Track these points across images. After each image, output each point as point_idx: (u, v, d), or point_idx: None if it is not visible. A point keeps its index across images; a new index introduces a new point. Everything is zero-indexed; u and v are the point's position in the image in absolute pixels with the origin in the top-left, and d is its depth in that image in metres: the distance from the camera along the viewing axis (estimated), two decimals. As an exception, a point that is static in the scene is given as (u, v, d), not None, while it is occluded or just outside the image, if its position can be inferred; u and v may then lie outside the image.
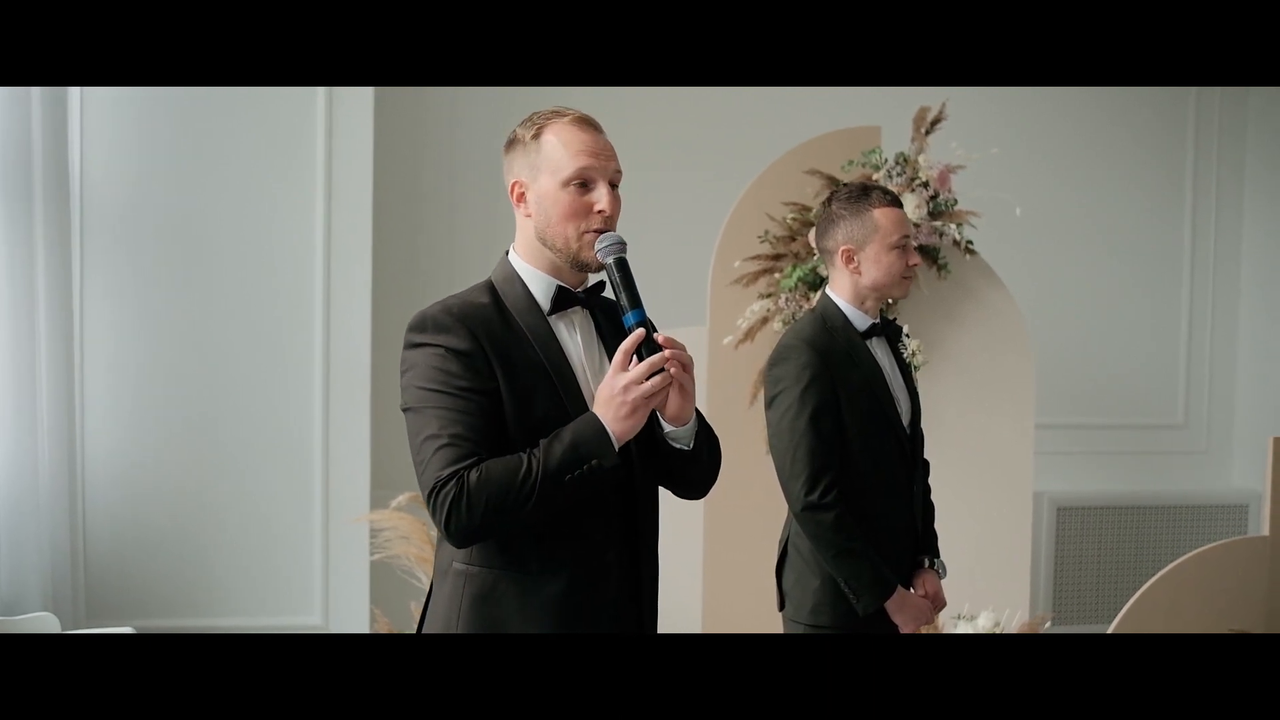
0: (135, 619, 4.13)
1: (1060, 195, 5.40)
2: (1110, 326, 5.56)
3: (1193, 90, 5.57)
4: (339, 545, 4.31)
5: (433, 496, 1.88)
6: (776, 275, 3.94)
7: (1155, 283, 5.62)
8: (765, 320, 3.91)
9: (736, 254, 3.98)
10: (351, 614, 4.31)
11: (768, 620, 3.45)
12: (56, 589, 3.91)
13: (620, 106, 4.64)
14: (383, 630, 3.97)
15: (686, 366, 1.92)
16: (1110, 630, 3.39)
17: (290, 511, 4.29)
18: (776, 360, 2.83)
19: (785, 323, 3.87)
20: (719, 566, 4.00)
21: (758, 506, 3.84)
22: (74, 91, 4.03)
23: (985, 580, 3.94)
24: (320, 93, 4.26)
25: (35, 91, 3.80)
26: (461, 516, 1.86)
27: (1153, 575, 3.43)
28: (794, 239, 3.95)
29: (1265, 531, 3.54)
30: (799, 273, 3.87)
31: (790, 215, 3.97)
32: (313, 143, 4.27)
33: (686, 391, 1.94)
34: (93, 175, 4.09)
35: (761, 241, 3.97)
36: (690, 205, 4.82)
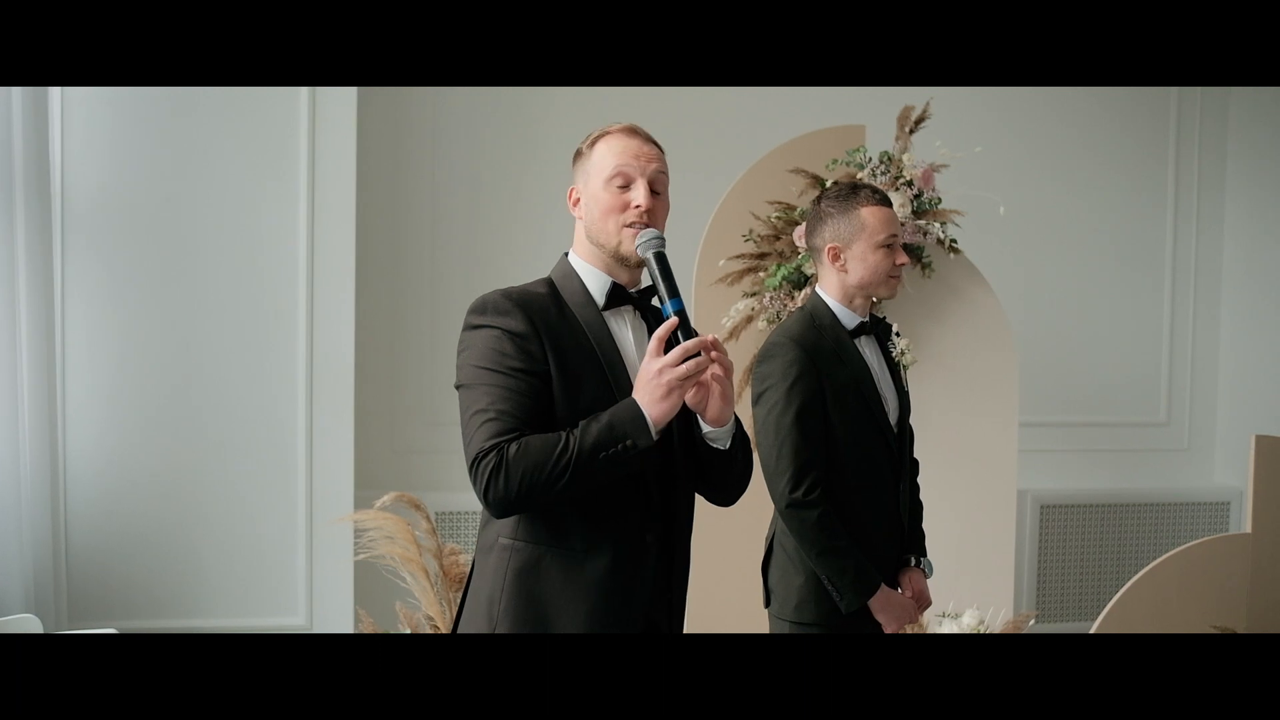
0: (118, 620, 4.11)
1: (1043, 194, 5.42)
2: (1093, 325, 5.57)
3: (1174, 90, 5.59)
4: (323, 545, 4.29)
5: (474, 466, 1.98)
6: (761, 274, 3.94)
7: (1137, 282, 5.64)
8: (750, 319, 3.92)
9: (721, 253, 3.98)
10: (336, 614, 4.30)
11: (752, 617, 3.45)
12: (39, 590, 3.88)
13: (605, 106, 4.63)
14: (367, 631, 3.96)
15: (727, 371, 2.04)
16: (1094, 627, 3.40)
17: (274, 512, 4.27)
18: (764, 357, 2.83)
19: (770, 321, 3.87)
20: (703, 563, 3.97)
21: (742, 503, 3.80)
22: (54, 91, 4.01)
23: (969, 578, 3.95)
24: (304, 92, 4.24)
25: (15, 91, 3.77)
26: (499, 486, 1.95)
27: (1135, 572, 3.45)
28: (778, 238, 3.95)
29: (1247, 529, 3.56)
30: (783, 271, 3.87)
31: (775, 214, 3.97)
32: (296, 142, 4.25)
33: (726, 394, 2.05)
34: (74, 174, 4.06)
35: (746, 240, 3.98)
36: (674, 204, 4.75)
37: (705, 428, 2.09)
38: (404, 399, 4.84)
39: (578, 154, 2.22)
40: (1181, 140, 5.64)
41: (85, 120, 4.08)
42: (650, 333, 2.17)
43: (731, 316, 3.91)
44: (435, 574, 3.68)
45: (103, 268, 4.11)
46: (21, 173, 3.79)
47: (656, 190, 2.18)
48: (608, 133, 2.19)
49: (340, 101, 4.28)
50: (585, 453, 1.95)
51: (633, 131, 2.19)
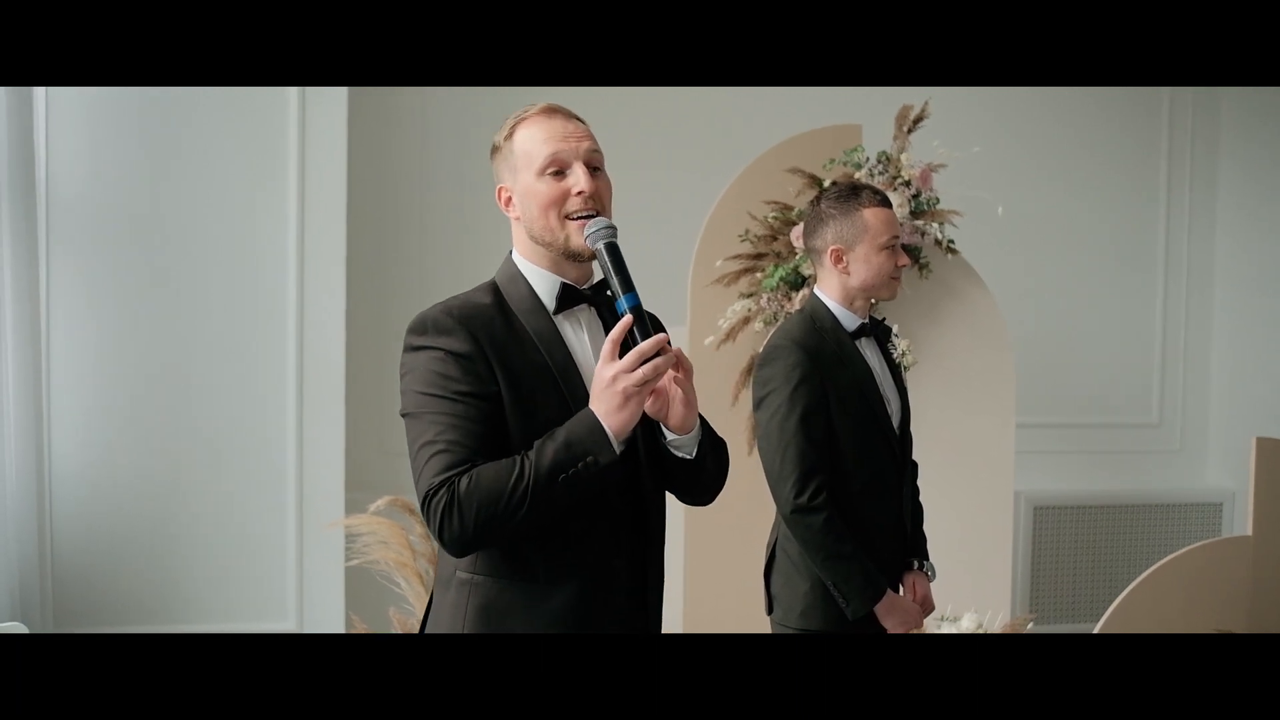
0: (105, 627, 4.05)
1: (1035, 195, 5.40)
2: (1085, 326, 5.56)
3: (1166, 90, 5.58)
4: (313, 550, 4.24)
5: (425, 505, 1.82)
6: (758, 275, 3.90)
7: (1130, 282, 5.62)
8: (747, 320, 3.88)
9: (717, 253, 3.94)
10: (327, 620, 4.25)
11: (751, 622, 3.41)
12: (24, 596, 3.83)
13: (598, 104, 4.57)
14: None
15: (687, 373, 1.89)
16: (1097, 630, 3.38)
17: (263, 516, 4.22)
18: (765, 360, 2.80)
19: (767, 323, 3.83)
20: (701, 568, 3.96)
21: (740, 507, 3.79)
22: (39, 91, 3.94)
23: (965, 580, 3.92)
24: (293, 92, 4.19)
25: (0, 91, 3.71)
26: (454, 525, 1.79)
27: (1128, 574, 3.44)
28: (775, 238, 3.91)
29: (1241, 530, 3.55)
30: (781, 272, 3.84)
31: (772, 214, 3.94)
32: (285, 143, 4.20)
33: (688, 399, 1.90)
34: (59, 175, 4.00)
35: (742, 240, 3.94)
36: (670, 204, 4.78)
37: (669, 435, 1.94)
38: (395, 400, 4.76)
39: (494, 149, 2.02)
40: (1174, 140, 5.63)
41: (70, 121, 4.01)
42: (606, 332, 1.97)
43: (728, 318, 3.87)
44: (430, 579, 3.63)
45: (89, 270, 4.05)
46: (6, 174, 3.74)
47: (594, 168, 1.95)
48: (524, 118, 1.98)
49: (330, 101, 4.23)
50: (543, 477, 1.78)
51: (553, 111, 1.98)
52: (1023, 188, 5.30)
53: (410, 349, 1.92)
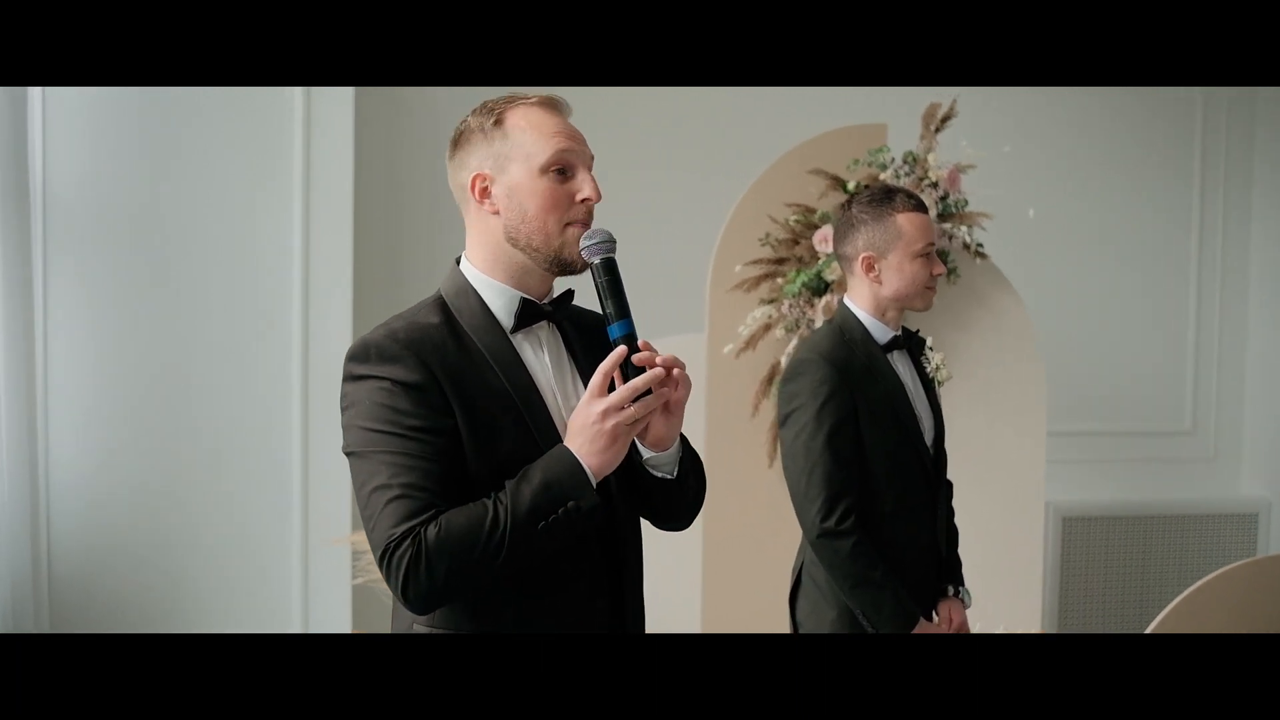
0: (104, 643, 3.94)
1: (1065, 199, 5.28)
2: (1116, 332, 5.42)
3: (1200, 92, 5.44)
4: (319, 566, 4.11)
5: (385, 559, 1.64)
6: (779, 280, 3.76)
7: (1162, 287, 5.49)
8: (767, 327, 3.74)
9: (737, 258, 3.81)
10: (332, 637, 4.13)
11: (773, 645, 3.26)
12: (17, 608, 3.73)
13: (614, 102, 4.48)
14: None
15: (686, 390, 1.72)
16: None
17: (267, 529, 4.10)
18: (791, 375, 2.66)
19: (788, 330, 3.70)
20: (719, 586, 3.83)
21: (760, 523, 3.68)
22: (35, 90, 3.83)
23: (994, 595, 3.78)
24: (298, 91, 4.07)
25: (-5, 89, 3.62)
26: (421, 581, 1.62)
27: (1161, 587, 3.30)
28: (797, 242, 3.78)
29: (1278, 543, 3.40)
30: (803, 278, 3.70)
31: (793, 217, 3.80)
32: (290, 142, 4.08)
33: (673, 410, 1.72)
34: (55, 174, 3.89)
35: (763, 245, 3.80)
36: (688, 207, 4.65)
37: (646, 453, 1.77)
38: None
39: (469, 132, 1.82)
40: (1206, 144, 5.49)
41: (69, 120, 3.90)
42: (569, 349, 1.83)
43: (748, 325, 3.73)
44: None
45: (88, 270, 3.93)
46: (0, 174, 3.64)
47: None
48: (518, 105, 1.80)
49: (336, 100, 4.11)
50: (520, 523, 1.62)
51: (554, 105, 1.82)
52: (1051, 190, 5.17)
53: (352, 378, 1.72)
